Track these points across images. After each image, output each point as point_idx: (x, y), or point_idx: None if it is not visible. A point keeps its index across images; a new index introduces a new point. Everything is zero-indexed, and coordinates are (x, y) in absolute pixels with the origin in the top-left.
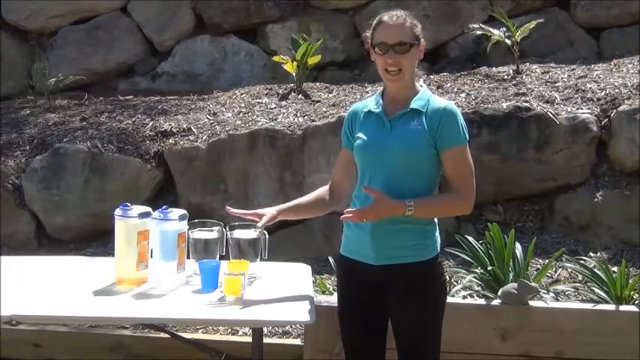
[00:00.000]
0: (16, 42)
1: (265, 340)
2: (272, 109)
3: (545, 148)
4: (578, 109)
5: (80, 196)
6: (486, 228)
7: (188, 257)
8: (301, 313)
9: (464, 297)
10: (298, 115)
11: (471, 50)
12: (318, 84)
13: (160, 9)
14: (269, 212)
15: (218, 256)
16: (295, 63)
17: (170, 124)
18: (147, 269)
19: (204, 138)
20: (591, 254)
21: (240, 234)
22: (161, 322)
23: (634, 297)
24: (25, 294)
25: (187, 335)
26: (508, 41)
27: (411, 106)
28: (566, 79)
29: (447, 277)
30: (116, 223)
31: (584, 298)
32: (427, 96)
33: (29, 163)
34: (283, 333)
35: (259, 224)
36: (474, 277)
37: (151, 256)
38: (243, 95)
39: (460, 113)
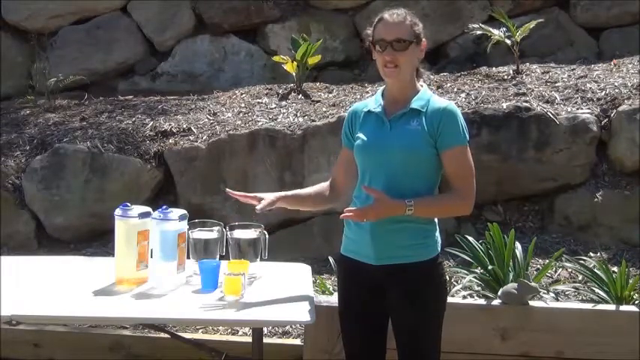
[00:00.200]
0: (16, 42)
1: (265, 340)
2: (272, 109)
3: (545, 148)
4: (578, 109)
5: (80, 196)
6: (486, 228)
7: (188, 257)
8: (301, 313)
9: (464, 297)
10: (298, 115)
11: (471, 50)
12: (318, 84)
13: (160, 9)
14: (268, 197)
15: (218, 256)
16: (295, 63)
17: (170, 124)
18: (147, 269)
19: (204, 138)
20: (591, 254)
21: (240, 234)
22: (161, 322)
23: (634, 297)
24: (25, 294)
25: (187, 335)
26: (508, 41)
27: (411, 106)
28: (566, 79)
29: (447, 277)
30: (116, 223)
31: (584, 298)
32: (427, 96)
33: (29, 163)
34: (283, 333)
35: (258, 207)
36: (474, 277)
37: (151, 256)
38: (243, 95)
39: (460, 113)
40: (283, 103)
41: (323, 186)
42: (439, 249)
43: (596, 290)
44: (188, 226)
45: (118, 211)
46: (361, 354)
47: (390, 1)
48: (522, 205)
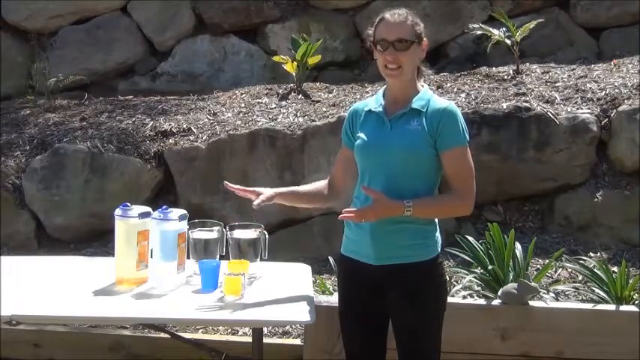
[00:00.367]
0: (16, 42)
1: (265, 340)
2: (272, 109)
3: (545, 148)
4: (578, 109)
5: (80, 196)
6: (486, 228)
7: (188, 257)
8: (301, 313)
9: (464, 297)
10: (298, 115)
11: (471, 50)
12: (318, 84)
13: (160, 9)
14: (267, 192)
15: (218, 256)
16: (295, 63)
17: (170, 124)
18: (147, 269)
19: (204, 138)
20: (591, 254)
21: (240, 234)
22: (161, 322)
23: (634, 297)
24: (25, 294)
25: (187, 335)
26: (508, 41)
27: (412, 106)
28: (566, 79)
29: (447, 277)
30: (116, 223)
31: (584, 298)
32: (428, 96)
33: (29, 163)
34: (283, 333)
35: (255, 202)
36: (474, 277)
37: (151, 256)
38: (243, 95)
39: (460, 114)
40: (283, 103)
41: (321, 184)
42: (439, 249)
43: (596, 290)
44: (188, 226)
45: (118, 211)
46: (361, 354)
47: (390, 0)
48: (522, 205)
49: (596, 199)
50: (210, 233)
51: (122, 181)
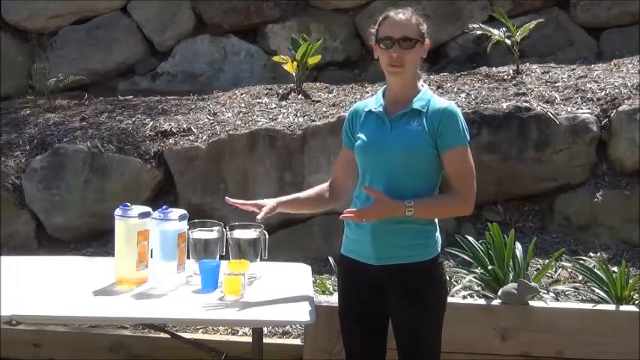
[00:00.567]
0: (16, 42)
1: (265, 340)
2: (272, 109)
3: (545, 148)
4: (578, 109)
5: (80, 196)
6: (486, 228)
7: (188, 257)
8: (301, 313)
9: (464, 297)
10: (298, 115)
11: (471, 50)
12: (318, 84)
13: (160, 9)
14: (269, 203)
15: (218, 256)
16: (295, 63)
17: (170, 124)
18: (147, 269)
19: (204, 138)
20: (591, 254)
21: (240, 234)
22: (161, 322)
23: (634, 297)
24: (25, 294)
25: (187, 335)
26: (508, 41)
27: (412, 106)
28: (566, 79)
29: (447, 277)
30: (116, 223)
31: (584, 298)
32: (428, 96)
33: (29, 163)
34: (283, 333)
35: (259, 216)
36: (474, 277)
37: (151, 256)
38: (243, 95)
39: (461, 114)
40: (283, 103)
41: (322, 187)
42: (439, 249)
43: (596, 290)
44: (188, 226)
45: (118, 211)
46: (361, 354)
47: (390, 1)
48: (522, 205)
49: (596, 199)
50: (210, 233)
51: (122, 181)
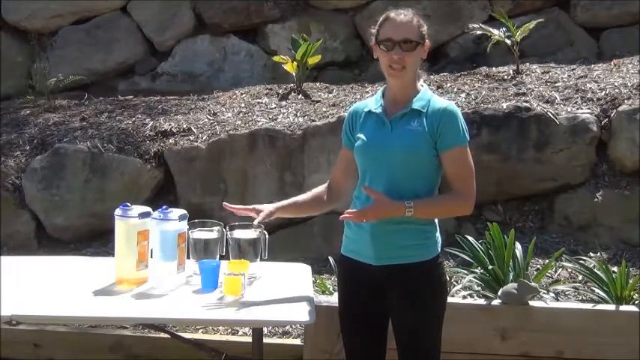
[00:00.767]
0: (16, 42)
1: (265, 340)
2: (272, 109)
3: (545, 148)
4: (578, 109)
5: (80, 196)
6: (486, 228)
7: (188, 257)
8: (301, 313)
9: (464, 297)
10: (298, 115)
11: (471, 50)
12: (318, 84)
13: (160, 9)
14: (266, 209)
15: (218, 256)
16: (295, 63)
17: (170, 124)
18: (147, 269)
19: (204, 138)
20: (591, 254)
21: (240, 234)
22: (161, 322)
23: (634, 297)
24: (25, 294)
25: (187, 335)
26: (508, 41)
27: (412, 107)
28: (566, 79)
29: (447, 277)
30: (116, 223)
31: (584, 298)
32: (428, 96)
33: (29, 163)
34: (283, 333)
35: (256, 221)
36: (474, 277)
37: (151, 256)
38: (243, 95)
39: (460, 114)
40: (283, 103)
41: (320, 190)
42: (439, 249)
43: (596, 290)
44: (188, 226)
45: (118, 211)
46: (361, 354)
47: (390, 1)
48: (522, 205)
49: (596, 199)
50: (210, 233)
51: (122, 181)
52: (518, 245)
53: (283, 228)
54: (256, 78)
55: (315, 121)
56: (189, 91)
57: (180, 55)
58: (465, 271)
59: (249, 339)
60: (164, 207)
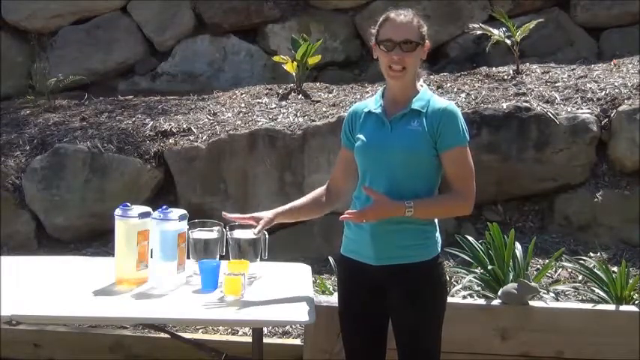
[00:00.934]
0: (16, 42)
1: (265, 340)
2: (272, 109)
3: (545, 148)
4: (578, 109)
5: (80, 196)
6: (486, 228)
7: (188, 257)
8: (301, 313)
9: (464, 297)
10: (298, 115)
11: (471, 50)
12: (318, 84)
13: (160, 9)
14: (265, 216)
15: (218, 256)
16: (295, 63)
17: (170, 124)
18: (147, 269)
19: (204, 138)
20: (591, 254)
21: (240, 234)
22: (161, 322)
23: (634, 297)
24: (25, 294)
25: (187, 335)
26: (508, 41)
27: (412, 107)
28: (566, 79)
29: (447, 277)
30: (116, 223)
31: (584, 298)
32: (428, 96)
33: (29, 163)
34: (283, 333)
35: (256, 230)
36: (474, 277)
37: (151, 256)
38: (243, 95)
39: (460, 114)
40: (283, 103)
41: (318, 192)
42: (439, 249)
43: (596, 290)
44: (188, 226)
45: (118, 211)
46: (361, 354)
47: (390, 1)
48: (522, 205)
49: (596, 199)
50: (210, 233)
51: (122, 181)
52: (518, 245)
53: (283, 228)
54: (256, 78)
55: (315, 121)
56: (189, 91)
57: (180, 55)
58: (465, 271)
59: (249, 339)
60: (164, 207)
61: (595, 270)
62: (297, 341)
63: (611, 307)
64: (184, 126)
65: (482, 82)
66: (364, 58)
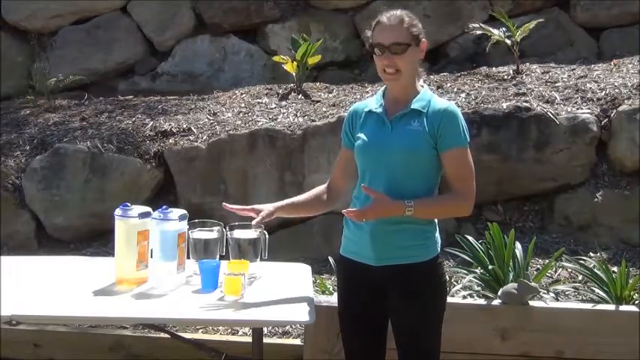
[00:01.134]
0: (16, 42)
1: (265, 340)
2: (272, 109)
3: (545, 148)
4: (578, 109)
5: (80, 196)
6: (486, 228)
7: (188, 257)
8: (301, 313)
9: (464, 297)
10: (298, 115)
11: (471, 50)
12: (318, 84)
13: (160, 9)
14: (266, 209)
15: (218, 256)
16: (295, 63)
17: (170, 124)
18: (147, 269)
19: (204, 138)
20: (591, 254)
21: (240, 234)
22: (161, 322)
23: (634, 297)
24: (25, 294)
25: (187, 335)
26: (508, 41)
27: (412, 107)
28: (566, 79)
29: (447, 278)
30: (116, 223)
31: (584, 298)
32: (428, 96)
33: (29, 163)
34: (283, 333)
35: (254, 221)
36: (474, 277)
37: (151, 256)
38: (243, 95)
39: (461, 114)
40: (283, 103)
41: (319, 190)
42: (439, 249)
43: (596, 290)
44: (188, 226)
45: (118, 211)
46: (361, 354)
47: (390, 1)
48: (522, 205)
49: (596, 199)
50: (210, 233)
51: (122, 181)
52: (518, 245)
53: (283, 228)
54: (256, 78)
55: (315, 121)
56: (189, 91)
57: (180, 55)
58: (465, 271)
59: (249, 339)
60: (164, 207)
61: (595, 270)
62: (297, 341)
63: (611, 307)
64: (184, 126)
65: (482, 82)
66: (364, 58)
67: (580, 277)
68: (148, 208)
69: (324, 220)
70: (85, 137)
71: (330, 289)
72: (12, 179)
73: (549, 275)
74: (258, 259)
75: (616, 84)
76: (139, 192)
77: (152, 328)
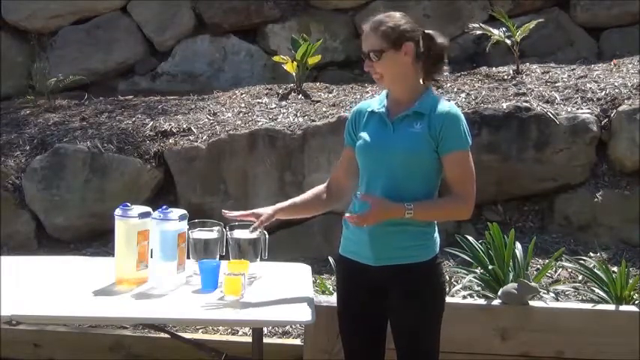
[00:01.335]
0: (16, 42)
1: (265, 340)
2: (272, 109)
3: (545, 148)
4: (578, 109)
5: (80, 196)
6: (486, 228)
7: (188, 257)
8: (301, 313)
9: (464, 297)
10: (298, 115)
11: (471, 50)
12: (318, 84)
13: (160, 9)
14: (265, 212)
15: (218, 256)
16: (295, 63)
17: (170, 124)
18: (147, 269)
19: (204, 138)
20: (591, 254)
21: (240, 234)
22: (161, 322)
23: (634, 297)
24: (25, 294)
25: (187, 335)
26: (508, 41)
27: (415, 109)
28: (566, 79)
29: (447, 278)
30: (116, 223)
31: (584, 298)
32: (432, 99)
33: (29, 163)
34: (283, 333)
35: (253, 226)
36: (474, 277)
37: (151, 256)
38: (243, 95)
39: (463, 117)
40: (283, 103)
41: (319, 190)
42: (438, 249)
43: (596, 290)
44: (188, 226)
45: (118, 211)
46: (360, 354)
47: (390, 1)
48: (522, 205)
49: (596, 199)
50: (210, 233)
51: (122, 181)
52: (518, 245)
53: (283, 228)
54: (256, 78)
55: (315, 121)
56: (189, 91)
57: (180, 55)
58: (465, 271)
59: (249, 339)
60: (164, 207)
61: (595, 270)
62: (297, 341)
63: (611, 307)
64: (184, 126)
65: (482, 82)
66: None
67: (580, 277)
68: (148, 208)
69: (324, 220)
70: (85, 137)
71: (330, 289)
72: (12, 179)
73: (549, 275)
74: (258, 259)
75: (616, 84)
76: (139, 192)
77: (152, 328)
